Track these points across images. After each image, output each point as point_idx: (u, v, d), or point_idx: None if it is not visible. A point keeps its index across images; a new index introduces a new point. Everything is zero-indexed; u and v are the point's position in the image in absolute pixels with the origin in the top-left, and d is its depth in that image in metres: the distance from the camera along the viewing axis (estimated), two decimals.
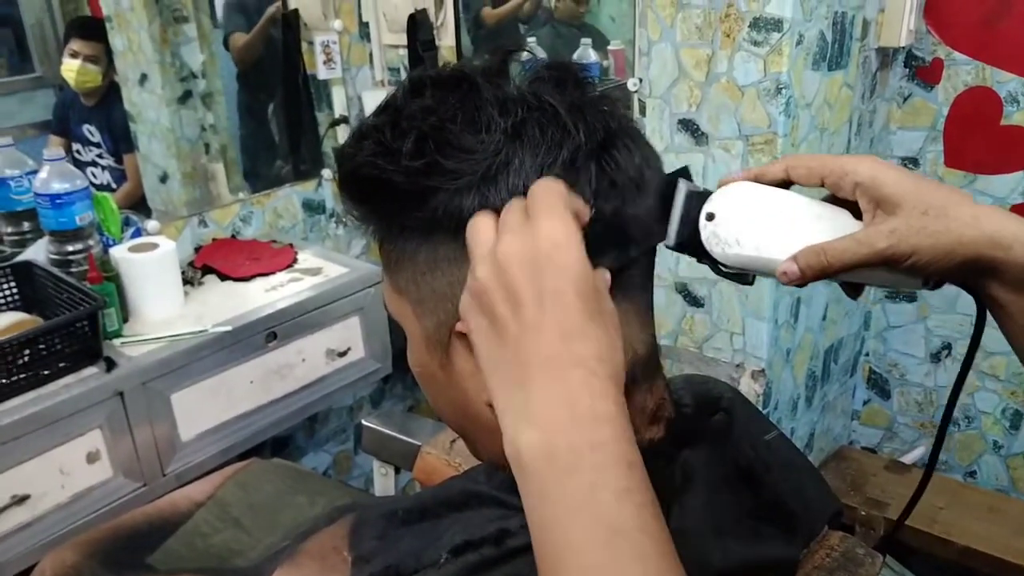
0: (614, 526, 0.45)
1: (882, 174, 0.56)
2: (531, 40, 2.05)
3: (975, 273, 0.55)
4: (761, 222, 0.58)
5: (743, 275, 0.60)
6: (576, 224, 0.51)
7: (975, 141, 1.81)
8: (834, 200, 0.59)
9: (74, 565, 0.99)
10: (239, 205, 1.84)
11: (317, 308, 1.61)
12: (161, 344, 1.41)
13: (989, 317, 0.57)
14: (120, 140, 1.78)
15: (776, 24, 1.36)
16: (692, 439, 0.66)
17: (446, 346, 0.62)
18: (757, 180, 0.61)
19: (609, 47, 1.89)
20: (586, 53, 1.86)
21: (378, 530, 0.83)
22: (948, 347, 2.03)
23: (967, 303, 1.94)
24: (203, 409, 1.47)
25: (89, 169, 1.76)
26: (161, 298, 1.50)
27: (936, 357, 2.06)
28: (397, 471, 1.40)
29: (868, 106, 1.74)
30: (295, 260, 1.74)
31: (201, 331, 1.44)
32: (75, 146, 1.76)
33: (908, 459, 2.10)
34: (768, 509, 0.71)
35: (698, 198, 0.59)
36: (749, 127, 1.45)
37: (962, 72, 1.78)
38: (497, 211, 0.54)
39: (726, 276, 0.61)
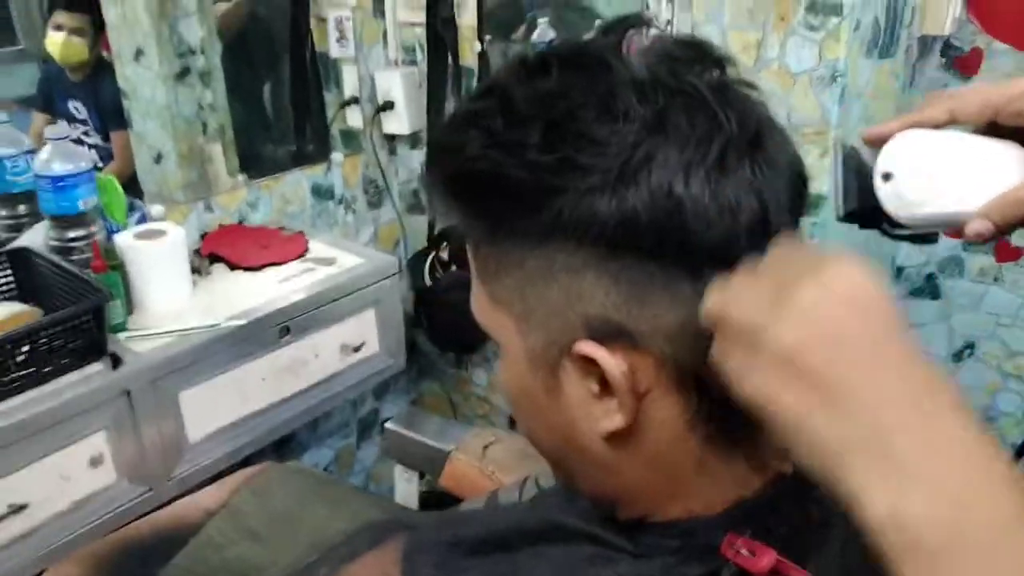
0: None
1: None
2: (542, 21, 1.96)
3: None
4: (945, 175, 0.52)
5: (927, 235, 0.55)
6: None
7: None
8: (995, 132, 0.54)
9: None
10: (246, 189, 1.74)
11: (333, 301, 1.52)
12: (170, 339, 1.32)
13: None
14: (108, 117, 1.69)
15: (835, 8, 1.29)
16: None
17: (555, 367, 0.53)
18: (919, 126, 0.54)
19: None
20: None
21: (437, 557, 0.75)
22: (971, 346, 1.98)
23: (992, 302, 1.89)
24: (213, 408, 1.38)
25: None
26: (168, 289, 1.41)
27: (958, 356, 2.00)
28: (421, 476, 1.32)
29: (907, 97, 1.67)
30: (307, 249, 1.65)
31: (213, 325, 1.35)
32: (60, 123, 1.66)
33: None
34: None
35: (855, 158, 0.54)
36: (799, 116, 1.37)
37: (1001, 63, 1.72)
38: (588, 266, 0.48)
39: (905, 239, 0.55)
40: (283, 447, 1.88)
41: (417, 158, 1.97)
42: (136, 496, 1.29)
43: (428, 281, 1.89)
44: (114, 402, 1.23)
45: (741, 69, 0.52)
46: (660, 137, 0.47)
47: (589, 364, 0.51)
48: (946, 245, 1.87)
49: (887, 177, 0.53)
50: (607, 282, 0.49)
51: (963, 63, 1.77)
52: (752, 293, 0.44)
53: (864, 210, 0.54)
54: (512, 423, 1.93)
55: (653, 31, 0.53)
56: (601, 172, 0.47)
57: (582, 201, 0.47)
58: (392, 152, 2.01)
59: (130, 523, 1.00)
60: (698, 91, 0.48)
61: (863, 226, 0.55)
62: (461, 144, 0.51)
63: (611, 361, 0.50)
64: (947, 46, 1.76)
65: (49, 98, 1.74)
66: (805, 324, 0.41)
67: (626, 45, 0.52)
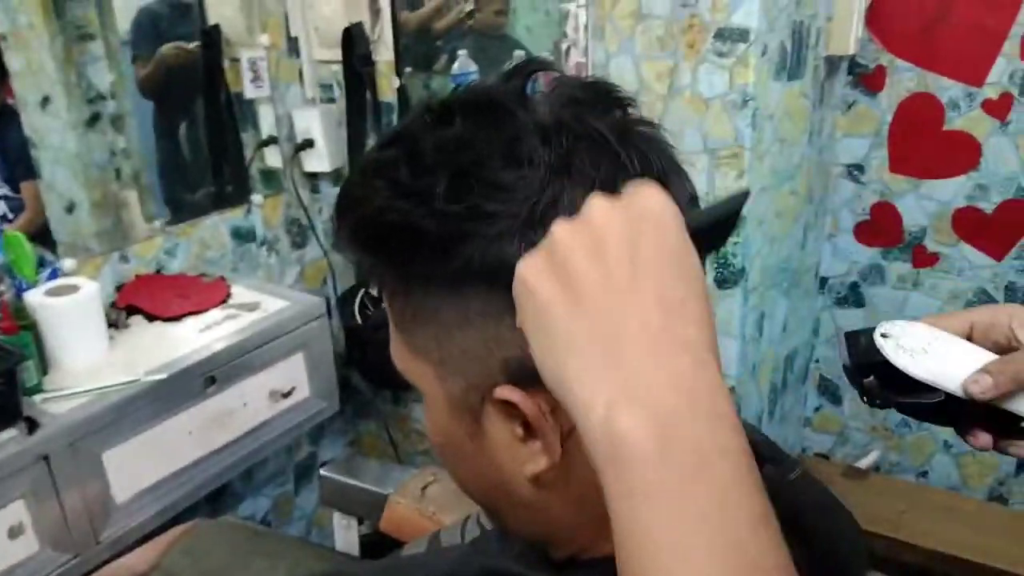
0: (752, 560, 0.36)
1: None
2: (461, 53, 1.97)
3: None
4: (936, 345, 0.59)
5: (921, 395, 0.60)
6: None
7: (919, 146, 1.82)
8: None
9: None
10: (163, 237, 1.69)
11: (258, 347, 1.48)
12: (88, 398, 1.26)
13: None
14: (15, 166, 1.61)
15: (742, 34, 1.33)
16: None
17: (477, 412, 0.53)
18: None
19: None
20: None
21: None
22: None
23: (913, 307, 1.95)
24: (138, 467, 1.33)
25: None
26: (84, 345, 1.36)
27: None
28: (360, 522, 1.29)
29: (817, 114, 1.73)
30: (229, 295, 1.61)
31: (133, 380, 1.30)
32: None
33: (863, 464, 2.10)
34: (821, 564, 0.65)
35: (859, 335, 0.62)
36: (715, 140, 1.40)
37: (904, 79, 1.79)
38: (502, 312, 0.47)
39: (899, 406, 0.61)
40: (218, 499, 1.82)
41: None
42: (61, 564, 1.23)
43: (359, 319, 1.87)
44: (31, 468, 1.18)
45: (655, 97, 0.53)
46: (565, 180, 0.47)
47: (510, 408, 0.50)
48: (866, 254, 1.93)
49: (885, 336, 0.59)
50: None
51: (869, 80, 1.84)
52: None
53: (868, 367, 0.60)
54: None
55: (555, 74, 0.53)
56: (509, 217, 0.46)
57: (491, 247, 0.47)
58: (315, 191, 1.99)
59: None
60: (601, 134, 0.48)
61: (864, 391, 0.62)
62: (368, 196, 0.50)
63: (530, 404, 0.49)
64: (853, 64, 1.83)
65: None
66: (582, 224, 0.42)
67: (530, 88, 0.52)
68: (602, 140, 0.48)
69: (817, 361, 2.15)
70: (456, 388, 0.53)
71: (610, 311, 0.40)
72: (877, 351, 0.59)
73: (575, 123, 0.49)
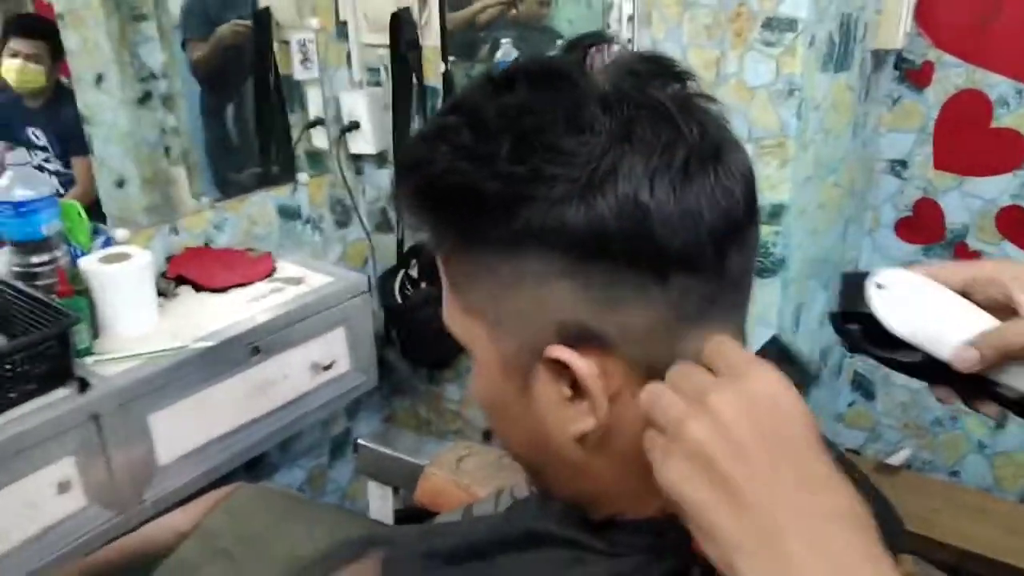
0: None
1: None
2: (505, 42, 1.98)
3: None
4: (930, 301, 0.57)
5: (904, 353, 0.58)
6: None
7: (965, 143, 1.80)
8: None
9: None
10: (212, 212, 1.74)
11: (302, 320, 1.52)
12: (138, 362, 1.31)
13: None
14: (68, 142, 1.66)
15: (790, 24, 1.33)
16: None
17: (527, 372, 0.55)
18: None
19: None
20: None
21: (415, 570, 0.76)
22: None
23: None
24: (183, 431, 1.37)
25: None
26: (135, 312, 1.40)
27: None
28: (395, 491, 1.32)
29: (863, 108, 1.72)
30: (274, 269, 1.65)
31: (181, 347, 1.34)
32: (19, 149, 1.64)
33: (894, 460, 2.10)
34: None
35: (857, 277, 0.59)
36: (760, 130, 1.41)
37: (952, 75, 1.77)
38: (560, 273, 0.50)
39: (880, 358, 0.59)
40: (255, 468, 1.87)
41: (384, 177, 1.98)
42: (106, 521, 1.27)
43: (398, 299, 1.90)
44: (82, 427, 1.22)
45: (702, 84, 0.54)
46: (625, 147, 0.48)
47: (561, 368, 0.52)
48: (906, 250, 1.92)
49: (880, 286, 0.57)
50: (577, 287, 0.50)
51: (916, 76, 1.83)
52: (680, 387, 0.48)
53: (853, 315, 0.59)
54: (486, 437, 1.93)
55: (616, 47, 0.55)
56: (569, 182, 0.48)
57: (551, 210, 0.48)
58: (359, 172, 2.02)
59: (100, 548, 0.99)
60: (661, 103, 0.49)
61: (846, 340, 0.60)
62: (430, 158, 0.52)
63: (582, 364, 0.51)
64: (900, 59, 1.82)
65: (6, 125, 1.71)
66: (716, 424, 0.44)
67: (589, 61, 0.53)
68: (662, 109, 0.49)
69: (852, 356, 2.14)
70: (509, 348, 0.55)
71: (762, 505, 0.43)
72: (864, 301, 0.58)
73: (635, 93, 0.50)
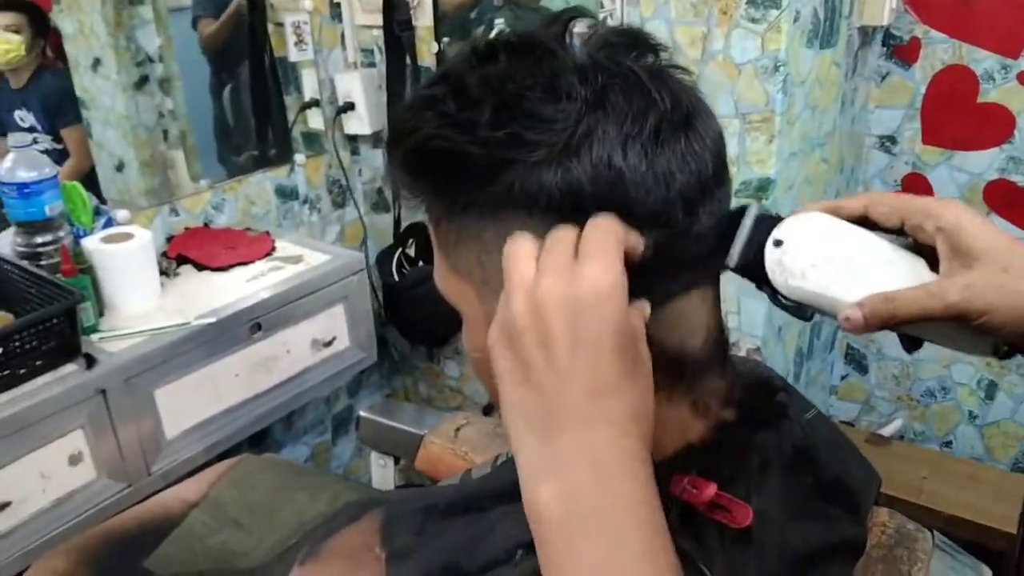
0: None
1: (966, 221, 0.53)
2: (498, 22, 2.00)
3: None
4: (830, 259, 0.54)
5: (800, 309, 0.56)
6: (623, 271, 0.49)
7: (952, 118, 1.83)
8: (914, 246, 0.56)
9: (65, 573, 0.94)
10: (211, 192, 1.76)
11: (302, 297, 1.55)
12: (142, 339, 1.34)
13: None
14: (56, 116, 1.65)
15: (775, 1, 1.35)
16: (762, 421, 0.64)
17: None
18: (834, 212, 0.57)
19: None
20: None
21: (414, 525, 0.79)
22: None
23: None
24: (188, 405, 1.41)
25: None
26: (138, 291, 1.43)
27: None
28: (396, 462, 1.36)
29: (851, 85, 1.74)
30: (273, 248, 1.68)
31: (184, 323, 1.37)
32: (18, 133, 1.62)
33: (886, 432, 2.13)
34: (830, 489, 0.69)
35: (768, 223, 0.56)
36: (746, 105, 1.44)
37: (939, 51, 1.80)
38: (540, 235, 0.51)
39: (782, 307, 0.56)
40: (259, 445, 1.91)
41: (379, 157, 2.01)
42: (116, 492, 1.31)
43: (396, 277, 1.93)
44: (90, 401, 1.25)
45: (688, 62, 0.57)
46: (599, 114, 0.52)
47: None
48: None
49: (778, 243, 0.54)
50: None
51: (903, 52, 1.86)
52: (544, 254, 0.50)
53: (755, 269, 0.55)
54: (486, 412, 1.97)
55: (591, 21, 0.58)
56: (547, 146, 0.51)
57: (531, 173, 0.52)
58: (355, 152, 2.05)
59: (112, 517, 1.02)
60: (634, 73, 0.53)
61: (754, 283, 0.57)
62: (417, 126, 0.55)
63: None
64: (887, 35, 1.84)
65: None
66: (537, 309, 0.48)
67: (568, 35, 0.57)
68: (635, 79, 0.52)
69: (845, 333, 2.18)
70: (494, 306, 0.58)
71: (548, 391, 0.48)
72: (762, 256, 0.55)
73: (610, 63, 0.53)
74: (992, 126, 1.80)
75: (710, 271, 0.59)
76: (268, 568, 0.91)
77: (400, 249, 1.96)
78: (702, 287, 0.58)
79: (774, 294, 0.56)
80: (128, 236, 1.42)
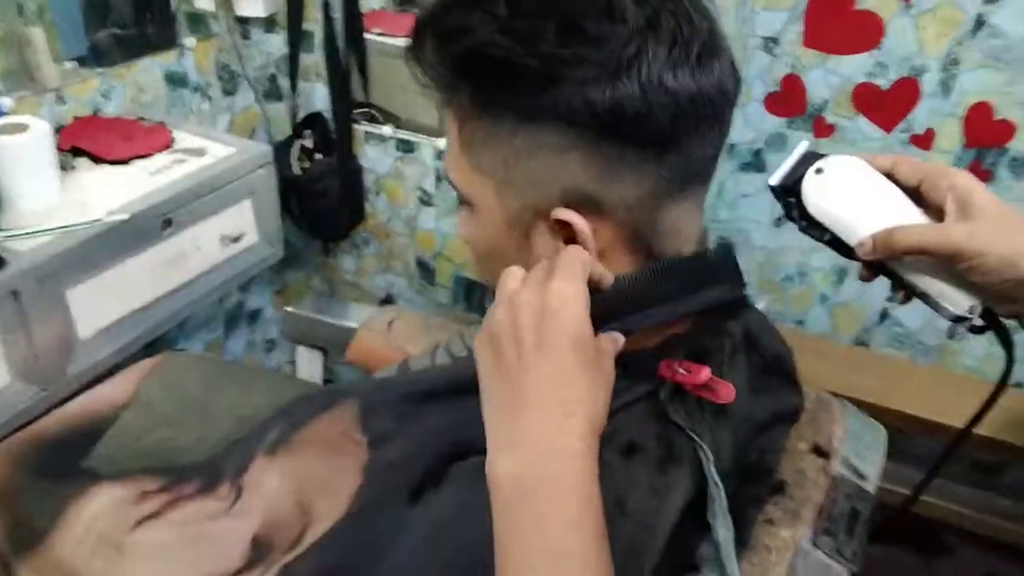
0: (560, 549, 0.52)
1: (976, 186, 0.63)
2: None
3: None
4: (860, 193, 0.64)
5: (820, 232, 0.66)
6: (585, 287, 0.57)
7: (832, 23, 1.94)
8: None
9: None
10: (99, 79, 1.65)
11: (211, 192, 1.51)
12: (50, 236, 1.28)
13: None
14: None
15: None
16: (734, 310, 0.73)
17: (528, 228, 0.63)
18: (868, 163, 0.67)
19: None
20: None
21: (394, 411, 0.84)
22: None
23: None
24: (101, 305, 1.37)
25: None
26: (38, 185, 1.35)
27: (779, 222, 2.26)
28: (324, 355, 1.39)
29: None
30: (172, 140, 1.61)
31: (96, 220, 1.32)
32: None
33: None
34: (773, 365, 0.80)
35: (812, 158, 0.66)
36: None
37: None
38: (574, 147, 0.58)
39: (801, 228, 0.68)
40: (153, 344, 1.87)
41: (274, 42, 1.93)
42: (32, 396, 1.27)
43: (296, 170, 1.89)
44: (2, 303, 1.20)
45: None
46: (651, 37, 0.56)
47: (561, 226, 0.61)
48: (772, 123, 2.09)
49: (819, 171, 0.65)
50: (586, 160, 0.58)
51: None
52: (527, 277, 0.59)
53: (790, 190, 0.66)
54: (382, 303, 2.00)
55: None
56: (599, 65, 0.55)
57: (581, 90, 0.56)
58: (245, 36, 1.95)
59: (32, 422, 1.00)
60: (681, 1, 0.57)
61: (783, 205, 0.68)
62: (469, 26, 0.57)
63: (584, 224, 0.60)
64: None
65: None
66: (513, 315, 0.56)
67: None
68: (681, 7, 0.57)
69: (717, 221, 2.34)
70: (514, 206, 0.63)
71: (516, 380, 0.56)
72: (799, 180, 0.66)
73: None
74: (865, 32, 1.93)
75: (703, 192, 0.66)
76: (217, 461, 0.92)
77: (298, 141, 1.92)
78: (698, 191, 0.65)
79: (798, 215, 0.66)
80: (23, 127, 1.32)
